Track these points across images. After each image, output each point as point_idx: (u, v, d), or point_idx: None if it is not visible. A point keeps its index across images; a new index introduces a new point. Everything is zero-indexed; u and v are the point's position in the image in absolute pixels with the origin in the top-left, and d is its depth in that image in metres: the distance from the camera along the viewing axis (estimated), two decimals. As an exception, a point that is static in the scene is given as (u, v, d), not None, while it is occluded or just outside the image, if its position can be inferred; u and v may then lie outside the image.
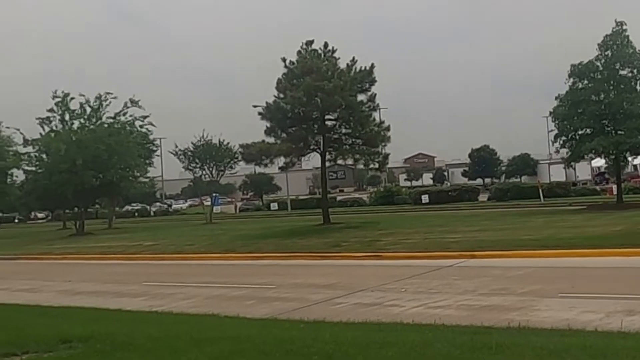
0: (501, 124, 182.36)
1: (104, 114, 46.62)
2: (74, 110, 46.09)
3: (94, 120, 46.42)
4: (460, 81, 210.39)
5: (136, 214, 79.60)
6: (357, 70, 32.78)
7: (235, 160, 51.99)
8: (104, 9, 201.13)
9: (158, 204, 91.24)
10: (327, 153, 33.64)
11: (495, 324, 9.60)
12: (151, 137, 54.38)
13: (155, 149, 60.53)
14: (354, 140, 33.38)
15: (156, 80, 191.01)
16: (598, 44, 34.07)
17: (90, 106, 46.05)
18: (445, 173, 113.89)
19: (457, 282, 15.09)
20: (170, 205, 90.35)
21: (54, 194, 45.65)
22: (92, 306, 14.45)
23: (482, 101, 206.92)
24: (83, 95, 46.01)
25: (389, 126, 33.81)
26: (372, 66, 32.84)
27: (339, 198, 70.92)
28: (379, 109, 36.63)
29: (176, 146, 53.85)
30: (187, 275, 20.63)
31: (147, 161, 54.91)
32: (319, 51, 33.10)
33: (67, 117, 46.18)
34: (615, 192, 39.46)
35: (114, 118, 46.89)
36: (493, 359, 7.00)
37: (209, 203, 58.18)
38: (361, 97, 32.89)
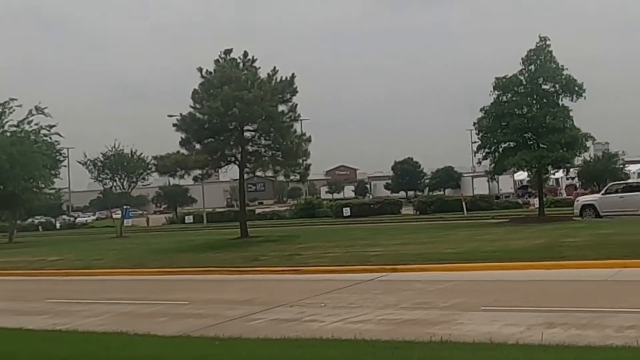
0: (425, 136, 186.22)
1: (6, 122, 45.22)
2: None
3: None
4: (383, 91, 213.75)
5: (40, 227, 77.27)
6: (278, 80, 32.75)
7: (149, 171, 51.15)
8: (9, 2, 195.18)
9: (64, 216, 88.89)
10: (245, 165, 33.48)
11: (417, 338, 9.71)
12: (58, 146, 53.01)
13: (62, 159, 59.02)
14: (274, 152, 33.32)
15: (66, 85, 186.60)
16: (522, 59, 35.20)
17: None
18: (368, 185, 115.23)
19: (378, 296, 15.23)
20: (75, 218, 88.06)
21: (-52, 207, 43.92)
22: (-11, 325, 13.90)
23: (406, 113, 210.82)
24: None
25: (310, 137, 33.94)
26: (293, 76, 32.87)
27: (258, 211, 70.75)
28: (300, 119, 36.80)
29: (85, 156, 52.65)
30: (95, 291, 20.12)
31: (53, 172, 53.38)
32: (238, 60, 32.93)
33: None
34: (537, 206, 40.70)
35: (17, 126, 45.50)
36: (414, 373, 7.08)
37: (119, 216, 57.04)
38: (282, 107, 32.89)
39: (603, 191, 39.89)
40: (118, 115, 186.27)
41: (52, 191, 56.63)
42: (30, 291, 21.32)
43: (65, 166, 62.77)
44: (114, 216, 59.50)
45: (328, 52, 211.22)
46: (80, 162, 53.11)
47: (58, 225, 79.99)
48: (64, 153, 58.13)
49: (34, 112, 45.42)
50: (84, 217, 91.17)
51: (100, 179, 53.53)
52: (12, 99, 44.97)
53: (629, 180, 49.50)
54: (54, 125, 47.08)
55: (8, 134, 44.91)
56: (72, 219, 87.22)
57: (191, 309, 15.34)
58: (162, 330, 12.23)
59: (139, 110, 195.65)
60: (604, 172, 68.32)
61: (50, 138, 48.35)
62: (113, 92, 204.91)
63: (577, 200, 39.94)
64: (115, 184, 53.56)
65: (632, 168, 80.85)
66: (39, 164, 44.86)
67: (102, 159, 52.03)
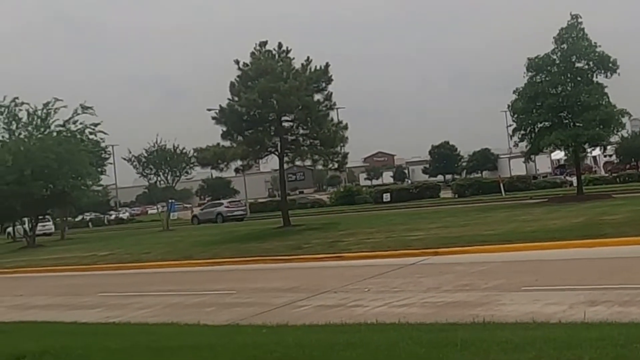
0: (460, 119, 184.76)
1: (52, 122, 45.94)
2: (21, 118, 45.35)
3: (42, 129, 45.65)
4: (416, 76, 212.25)
5: (90, 223, 78.46)
6: (313, 69, 32.74)
7: (191, 165, 51.61)
8: (39, 8, 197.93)
9: (112, 212, 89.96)
10: (285, 155, 33.57)
11: (460, 320, 9.65)
12: (103, 144, 53.81)
13: (107, 156, 59.88)
14: (311, 140, 33.35)
15: (106, 85, 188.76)
16: (554, 37, 34.66)
17: (38, 116, 45.29)
18: (406, 171, 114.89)
19: (420, 279, 15.19)
20: (110, 215, 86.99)
21: (1, 207, 44.67)
22: (45, 320, 14.17)
23: (440, 96, 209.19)
24: (27, 104, 45.30)
25: (346, 125, 33.92)
26: (327, 65, 32.86)
27: (299, 200, 70.99)
28: (336, 108, 36.75)
29: (129, 152, 53.35)
30: (144, 284, 20.41)
31: (100, 169, 54.22)
32: (273, 52, 33.00)
33: (13, 126, 45.39)
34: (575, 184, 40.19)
35: (63, 126, 46.17)
36: (459, 355, 7.05)
37: (154, 211, 58.03)
38: (317, 96, 32.89)
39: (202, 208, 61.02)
40: (158, 111, 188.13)
41: (100, 188, 57.53)
42: (83, 286, 21.70)
43: (111, 163, 63.97)
44: (150, 212, 60.62)
45: (361, 39, 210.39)
46: (125, 159, 53.92)
47: (107, 221, 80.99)
48: (109, 150, 59.12)
49: (79, 110, 46.04)
50: (121, 213, 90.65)
51: (144, 174, 54.23)
52: (56, 99, 45.59)
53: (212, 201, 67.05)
54: (98, 124, 47.74)
55: (54, 133, 45.59)
56: (112, 214, 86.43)
57: (238, 298, 15.46)
58: (211, 319, 12.36)
59: (177, 106, 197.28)
60: (642, 148, 67.18)
61: (97, 135, 49.05)
62: (152, 90, 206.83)
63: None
64: (159, 178, 54.21)
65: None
66: (86, 162, 45.49)
67: (145, 154, 52.66)
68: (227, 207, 55.80)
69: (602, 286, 12.01)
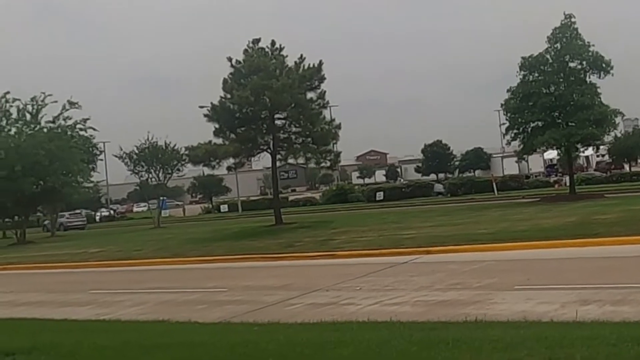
0: (454, 118, 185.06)
1: (42, 117, 45.72)
2: (11, 114, 45.13)
3: (32, 125, 45.46)
4: (410, 74, 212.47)
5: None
6: (306, 67, 32.74)
7: (183, 162, 51.54)
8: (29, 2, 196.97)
9: (103, 209, 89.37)
10: (277, 153, 33.55)
11: (452, 319, 9.68)
12: (94, 140, 53.63)
13: (98, 153, 59.74)
14: (304, 139, 33.34)
15: (96, 81, 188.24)
16: (547, 37, 34.73)
17: (28, 112, 45.10)
18: (398, 169, 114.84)
19: (412, 278, 15.20)
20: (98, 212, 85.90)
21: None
22: (35, 317, 14.13)
23: (434, 95, 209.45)
24: (19, 100, 45.11)
25: (339, 124, 33.99)
26: (321, 63, 32.85)
27: (291, 198, 70.96)
28: (329, 106, 36.75)
29: (121, 149, 53.22)
30: (135, 281, 20.36)
31: (91, 166, 54.02)
32: (266, 49, 32.97)
33: (4, 122, 45.21)
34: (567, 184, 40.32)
35: (53, 122, 45.97)
36: (450, 354, 7.06)
37: (139, 209, 57.95)
38: (310, 95, 32.90)
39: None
40: (147, 106, 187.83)
41: (91, 185, 57.31)
42: (74, 283, 21.63)
43: (101, 160, 63.81)
44: (135, 209, 60.74)
45: (352, 35, 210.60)
46: (116, 156, 53.81)
47: (98, 218, 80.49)
48: (100, 147, 58.96)
49: (67, 106, 45.79)
50: (104, 211, 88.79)
51: (136, 171, 54.11)
52: (43, 94, 45.34)
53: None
54: (87, 119, 47.51)
55: (45, 129, 45.40)
56: (93, 213, 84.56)
57: (230, 295, 15.45)
58: (202, 317, 12.34)
59: (168, 100, 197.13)
60: (635, 148, 67.49)
61: (87, 131, 48.86)
62: (140, 83, 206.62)
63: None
64: (151, 175, 54.11)
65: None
66: (77, 158, 45.34)
67: (137, 151, 52.54)
68: (68, 218, 65.38)
69: (594, 285, 12.06)
